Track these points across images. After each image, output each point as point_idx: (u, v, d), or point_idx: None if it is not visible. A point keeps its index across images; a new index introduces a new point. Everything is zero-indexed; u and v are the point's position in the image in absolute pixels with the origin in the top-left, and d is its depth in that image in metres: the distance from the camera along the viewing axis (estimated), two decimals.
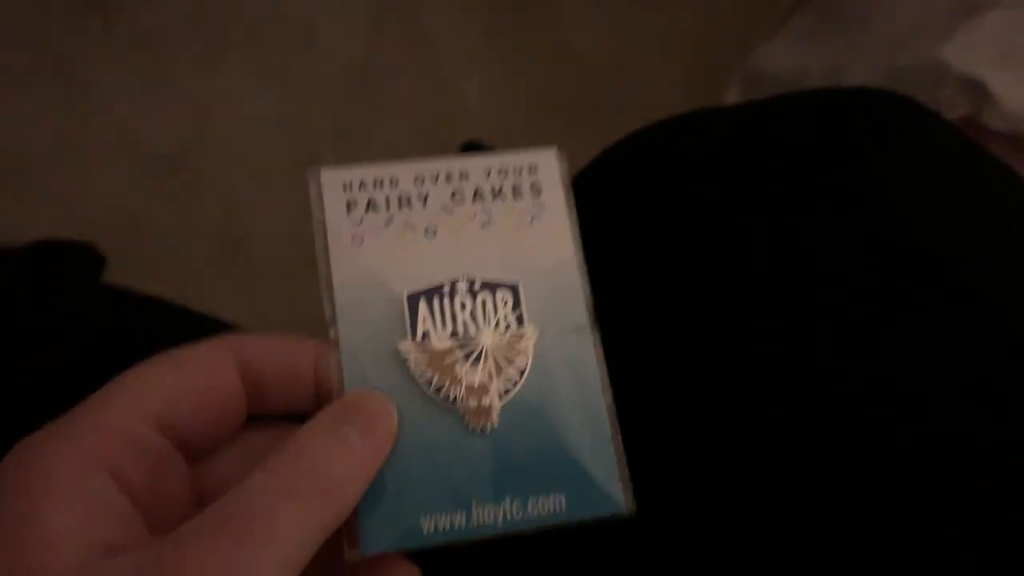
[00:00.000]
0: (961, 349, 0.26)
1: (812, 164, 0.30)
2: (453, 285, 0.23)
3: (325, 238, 0.23)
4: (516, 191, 0.24)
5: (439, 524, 0.21)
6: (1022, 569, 0.23)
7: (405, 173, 0.24)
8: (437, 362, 0.22)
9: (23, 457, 0.19)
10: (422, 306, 0.23)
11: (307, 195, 0.24)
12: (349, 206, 0.24)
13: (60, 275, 0.88)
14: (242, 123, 1.00)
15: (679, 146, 0.31)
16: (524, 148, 0.25)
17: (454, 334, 0.23)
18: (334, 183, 0.24)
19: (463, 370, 0.22)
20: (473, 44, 1.13)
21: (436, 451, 0.22)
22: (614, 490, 0.22)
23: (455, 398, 0.22)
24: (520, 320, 0.23)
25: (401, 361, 0.22)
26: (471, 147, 0.98)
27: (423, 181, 0.24)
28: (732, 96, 0.63)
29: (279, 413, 0.23)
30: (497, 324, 0.23)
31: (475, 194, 0.24)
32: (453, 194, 0.24)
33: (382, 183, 0.24)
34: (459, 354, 0.22)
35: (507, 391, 0.22)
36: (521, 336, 0.23)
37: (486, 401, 0.22)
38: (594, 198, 0.29)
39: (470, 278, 0.23)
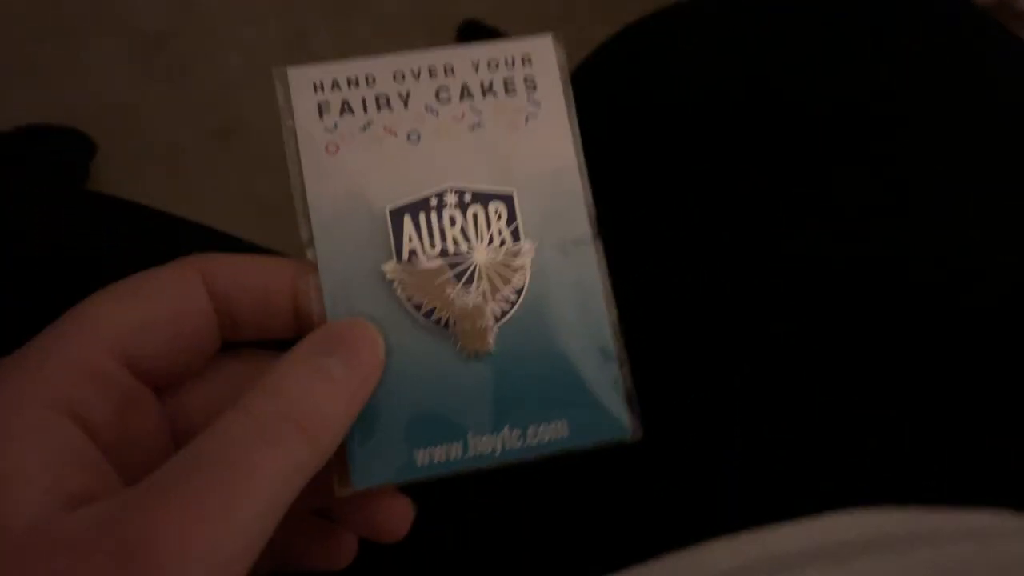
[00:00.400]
0: None
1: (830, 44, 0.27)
2: (440, 197, 0.21)
3: (296, 147, 0.21)
4: (508, 86, 0.22)
5: (434, 456, 0.20)
6: None
7: (383, 69, 0.21)
8: (426, 284, 0.20)
9: None
10: (407, 222, 0.21)
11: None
12: (321, 109, 0.21)
13: (50, 163, 0.85)
14: (231, 6, 0.94)
15: (693, 32, 0.28)
16: (518, 36, 0.22)
17: (443, 252, 0.21)
18: (303, 84, 0.21)
19: (455, 292, 0.20)
20: None
21: (428, 380, 0.20)
22: (620, 414, 0.21)
23: (447, 322, 0.20)
24: (516, 234, 0.21)
25: (386, 284, 0.20)
26: (470, 28, 0.92)
27: (404, 78, 0.21)
28: None
29: (255, 339, 0.21)
30: (491, 240, 0.21)
31: (462, 91, 0.22)
32: (438, 92, 0.21)
33: (357, 81, 0.21)
34: (449, 274, 0.20)
35: (503, 313, 0.20)
36: (517, 252, 0.21)
37: (481, 324, 0.20)
38: (593, 95, 0.26)
39: (459, 189, 0.21)
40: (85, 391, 0.18)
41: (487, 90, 0.22)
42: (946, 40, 0.31)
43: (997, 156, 0.29)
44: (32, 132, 0.87)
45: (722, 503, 0.25)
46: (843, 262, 0.27)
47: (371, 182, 0.21)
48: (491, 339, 0.20)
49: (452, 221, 0.21)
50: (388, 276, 0.20)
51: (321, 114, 0.21)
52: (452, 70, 0.22)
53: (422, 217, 0.21)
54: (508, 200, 0.21)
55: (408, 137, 0.21)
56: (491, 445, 0.20)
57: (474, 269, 0.21)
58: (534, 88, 0.22)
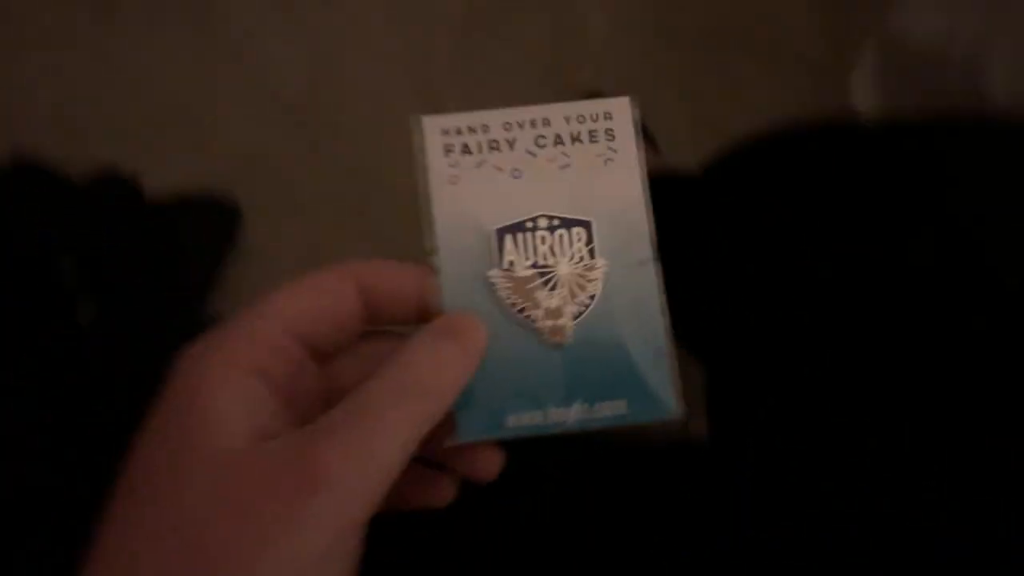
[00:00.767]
0: None
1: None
2: (535, 221, 0.27)
3: (426, 178, 0.27)
4: (592, 136, 0.28)
5: (520, 420, 0.26)
6: None
7: (495, 120, 0.28)
8: (520, 288, 0.26)
9: (188, 365, 0.24)
10: (508, 239, 0.27)
11: None
12: (447, 150, 0.27)
13: (195, 241, 0.90)
14: (367, 62, 1.00)
15: (805, 159, 0.33)
16: (603, 98, 0.28)
17: (535, 264, 0.26)
18: (434, 130, 0.27)
19: (542, 295, 0.26)
20: None
21: (518, 362, 0.26)
22: (667, 397, 0.26)
23: (535, 319, 0.26)
24: (592, 253, 0.27)
25: (490, 286, 0.26)
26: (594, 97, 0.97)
27: (511, 127, 0.28)
28: (868, 60, 0.61)
29: (388, 324, 0.27)
30: (572, 256, 0.27)
31: (556, 139, 0.27)
32: (537, 139, 0.27)
33: (475, 129, 0.27)
34: (539, 281, 0.26)
35: (579, 313, 0.26)
36: (593, 267, 0.27)
37: (561, 322, 0.26)
38: (724, 190, 0.32)
39: (550, 215, 0.27)
40: (269, 359, 0.24)
41: (575, 139, 0.27)
42: None
43: None
44: (184, 202, 0.93)
45: (736, 507, 0.30)
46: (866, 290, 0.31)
47: (482, 207, 0.27)
48: (568, 333, 0.26)
49: (543, 240, 0.27)
50: (492, 280, 0.26)
51: (446, 153, 0.27)
52: (549, 122, 0.28)
53: (520, 236, 0.27)
54: (588, 226, 0.27)
55: (512, 173, 0.27)
56: (564, 415, 0.26)
57: (558, 278, 0.26)
58: (612, 138, 0.27)
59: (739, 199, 0.34)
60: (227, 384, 0.23)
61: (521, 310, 0.26)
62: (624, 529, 0.32)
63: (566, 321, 0.26)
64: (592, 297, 0.26)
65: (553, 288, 0.26)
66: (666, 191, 0.38)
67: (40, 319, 0.82)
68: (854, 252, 0.32)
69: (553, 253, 0.27)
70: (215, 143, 1.00)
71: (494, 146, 0.27)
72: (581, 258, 0.27)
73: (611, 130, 0.28)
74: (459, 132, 0.27)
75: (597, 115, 0.28)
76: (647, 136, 0.92)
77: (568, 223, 0.27)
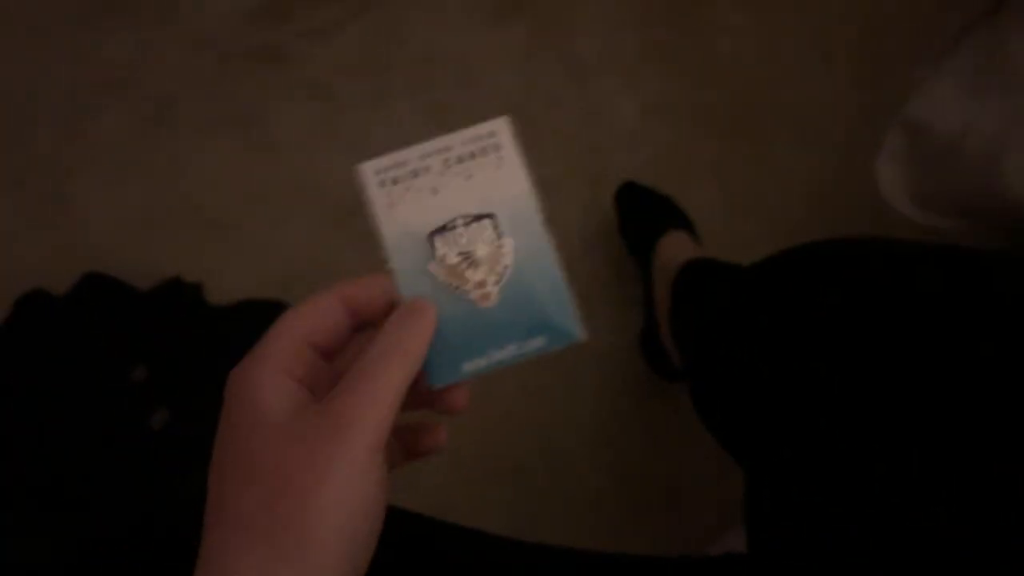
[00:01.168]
0: None
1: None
2: (454, 222, 0.37)
3: (372, 208, 0.37)
4: (483, 151, 0.37)
5: (473, 365, 0.36)
6: None
7: (413, 155, 0.37)
8: (453, 272, 0.36)
9: (240, 376, 0.34)
10: (437, 239, 0.37)
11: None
12: (381, 183, 0.37)
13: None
14: None
15: (854, 279, 0.42)
16: (482, 121, 0.38)
17: (460, 253, 0.37)
18: (369, 171, 0.37)
19: (470, 273, 0.36)
20: (629, 64, 1.14)
21: (463, 324, 0.36)
22: (573, 329, 0.36)
23: (468, 291, 0.36)
24: (500, 235, 0.37)
25: (432, 276, 0.36)
26: (630, 187, 1.06)
27: (425, 157, 0.37)
28: (893, 140, 0.67)
29: (368, 320, 0.38)
30: (486, 241, 0.37)
31: (458, 159, 0.37)
32: (445, 162, 0.37)
33: (399, 164, 0.37)
34: (465, 264, 0.36)
35: (499, 280, 0.36)
36: (503, 245, 0.37)
37: (487, 290, 0.36)
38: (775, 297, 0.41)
39: (464, 215, 0.37)
40: (293, 363, 0.35)
41: (472, 156, 0.37)
42: None
43: None
44: (244, 307, 1.02)
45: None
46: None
47: (414, 220, 0.37)
48: (494, 296, 0.36)
49: (462, 235, 0.37)
50: (432, 271, 0.36)
51: (381, 186, 0.37)
52: (450, 148, 0.37)
53: (446, 235, 0.37)
54: (493, 217, 0.37)
55: (431, 191, 0.37)
56: (503, 355, 0.36)
57: (478, 259, 0.36)
58: (498, 149, 0.37)
59: (792, 305, 0.41)
60: (269, 383, 0.34)
61: (457, 287, 0.36)
62: None
63: (491, 288, 0.36)
64: (506, 267, 0.36)
65: (476, 267, 0.36)
66: (711, 279, 0.46)
67: (117, 425, 0.91)
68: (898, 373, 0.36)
69: (472, 242, 0.37)
70: (270, 249, 1.08)
71: (415, 174, 0.37)
72: (492, 241, 0.37)
73: (497, 144, 0.37)
74: (388, 169, 0.37)
75: (483, 135, 0.38)
76: (685, 223, 1.01)
77: (479, 218, 0.37)
